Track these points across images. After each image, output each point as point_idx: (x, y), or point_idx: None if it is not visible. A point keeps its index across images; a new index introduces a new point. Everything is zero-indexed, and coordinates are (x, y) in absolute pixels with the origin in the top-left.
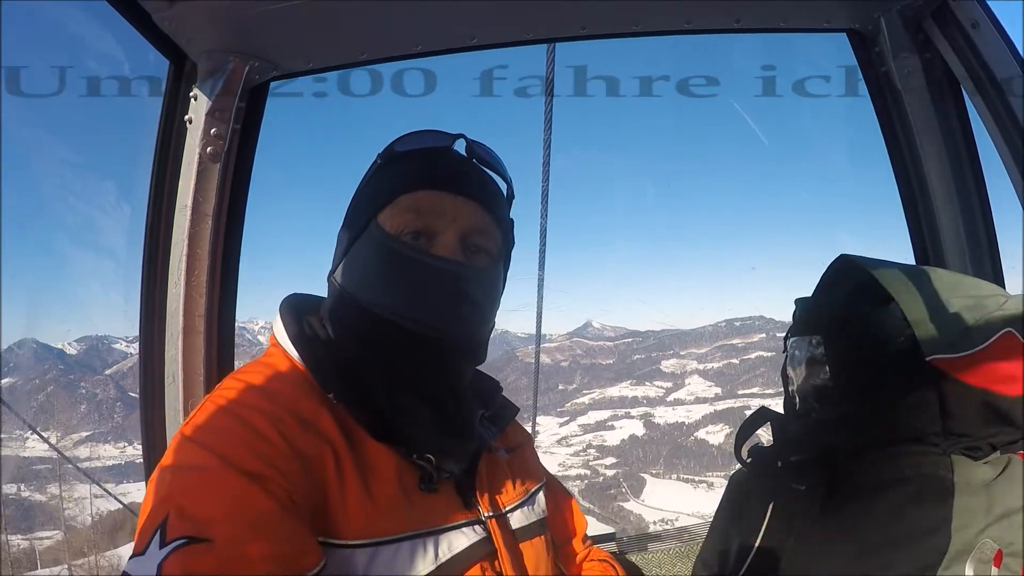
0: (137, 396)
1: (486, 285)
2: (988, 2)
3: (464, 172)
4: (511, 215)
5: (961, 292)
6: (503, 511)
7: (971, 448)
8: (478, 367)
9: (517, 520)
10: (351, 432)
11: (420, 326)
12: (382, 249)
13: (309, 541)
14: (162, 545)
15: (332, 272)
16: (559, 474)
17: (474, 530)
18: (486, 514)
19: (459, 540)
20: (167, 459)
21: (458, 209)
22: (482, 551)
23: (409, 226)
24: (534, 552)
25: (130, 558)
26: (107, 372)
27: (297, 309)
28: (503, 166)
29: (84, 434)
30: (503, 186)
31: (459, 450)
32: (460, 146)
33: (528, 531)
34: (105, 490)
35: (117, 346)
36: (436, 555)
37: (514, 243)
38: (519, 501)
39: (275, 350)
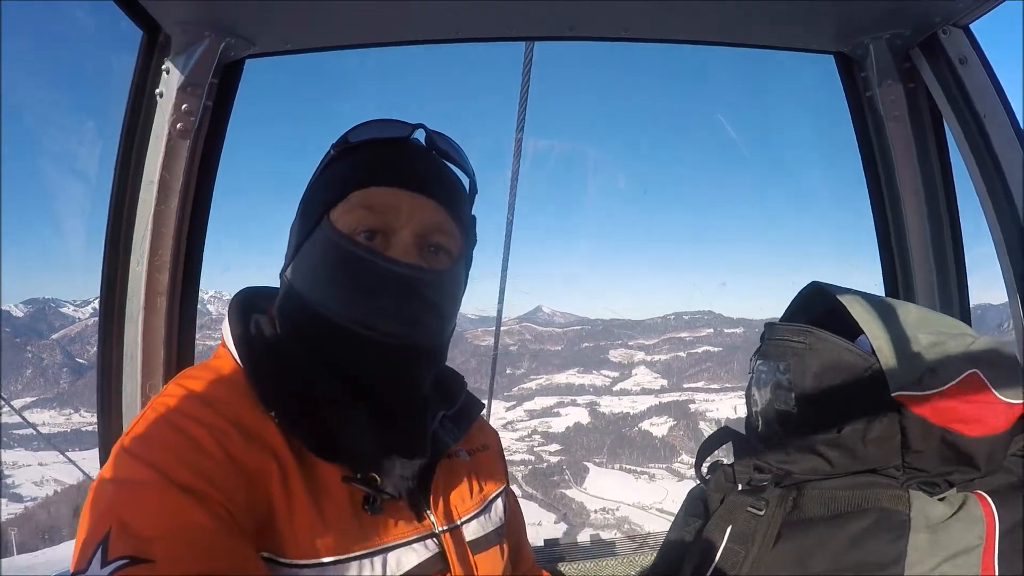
0: (84, 361)
1: (445, 288)
2: (979, 40)
3: (422, 167)
4: (473, 211)
5: (929, 328)
6: (458, 523)
7: (928, 483)
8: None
9: (472, 531)
10: (299, 445)
11: (375, 333)
12: (334, 249)
13: (251, 560)
14: (104, 563)
15: (284, 269)
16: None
17: (425, 545)
18: (440, 527)
19: (409, 557)
20: (107, 471)
21: (415, 207)
22: (433, 567)
23: (363, 224)
24: (490, 563)
25: (72, 574)
26: (54, 336)
27: (248, 307)
28: (465, 159)
29: (29, 399)
30: (465, 180)
31: (409, 467)
32: (419, 135)
33: (484, 542)
34: (69, 459)
35: (65, 310)
36: (384, 573)
37: (476, 241)
38: (476, 511)
39: (223, 352)
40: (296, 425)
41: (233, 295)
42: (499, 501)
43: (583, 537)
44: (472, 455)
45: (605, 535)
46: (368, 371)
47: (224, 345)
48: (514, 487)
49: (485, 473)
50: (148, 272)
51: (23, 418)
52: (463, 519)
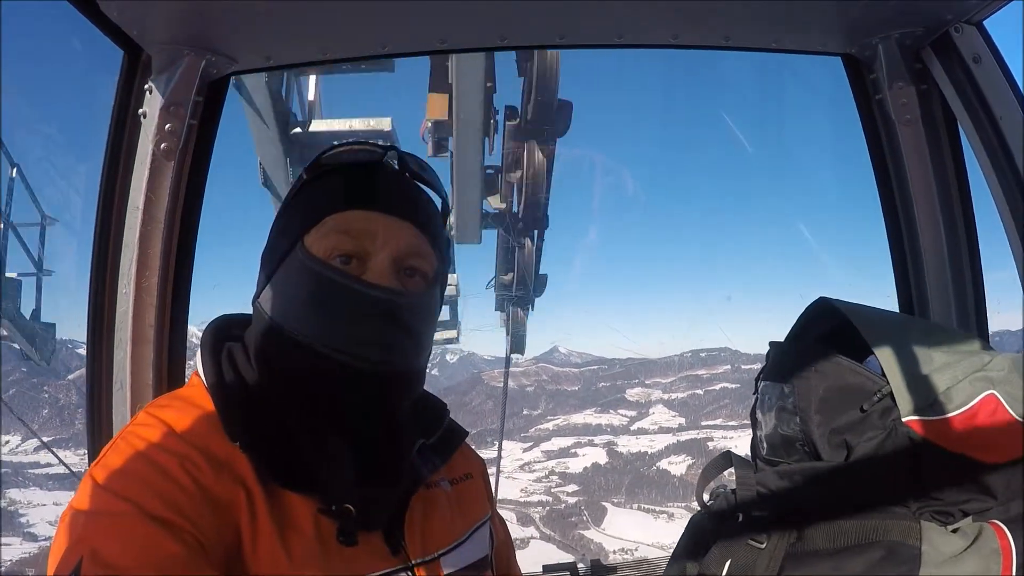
0: None
1: (422, 311)
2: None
3: (397, 190)
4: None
5: (945, 347)
6: (435, 555)
7: (941, 513)
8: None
9: (450, 564)
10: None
11: (351, 358)
12: (309, 274)
13: None
14: None
15: (256, 296)
16: (520, 500)
17: None
18: (415, 560)
19: None
20: (79, 502)
21: (391, 230)
22: None
23: (338, 249)
24: None
25: None
26: (70, 377)
27: (222, 336)
28: (438, 180)
29: (46, 439)
30: (438, 202)
31: (385, 498)
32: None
33: (463, 575)
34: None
35: (81, 351)
36: None
37: (451, 264)
38: (455, 543)
39: (196, 380)
40: (266, 459)
41: (207, 324)
42: (483, 530)
43: (583, 563)
44: (454, 484)
45: (607, 561)
46: (344, 398)
47: (198, 375)
48: (531, 528)
49: (468, 503)
50: (135, 298)
51: (54, 454)
52: (441, 551)
